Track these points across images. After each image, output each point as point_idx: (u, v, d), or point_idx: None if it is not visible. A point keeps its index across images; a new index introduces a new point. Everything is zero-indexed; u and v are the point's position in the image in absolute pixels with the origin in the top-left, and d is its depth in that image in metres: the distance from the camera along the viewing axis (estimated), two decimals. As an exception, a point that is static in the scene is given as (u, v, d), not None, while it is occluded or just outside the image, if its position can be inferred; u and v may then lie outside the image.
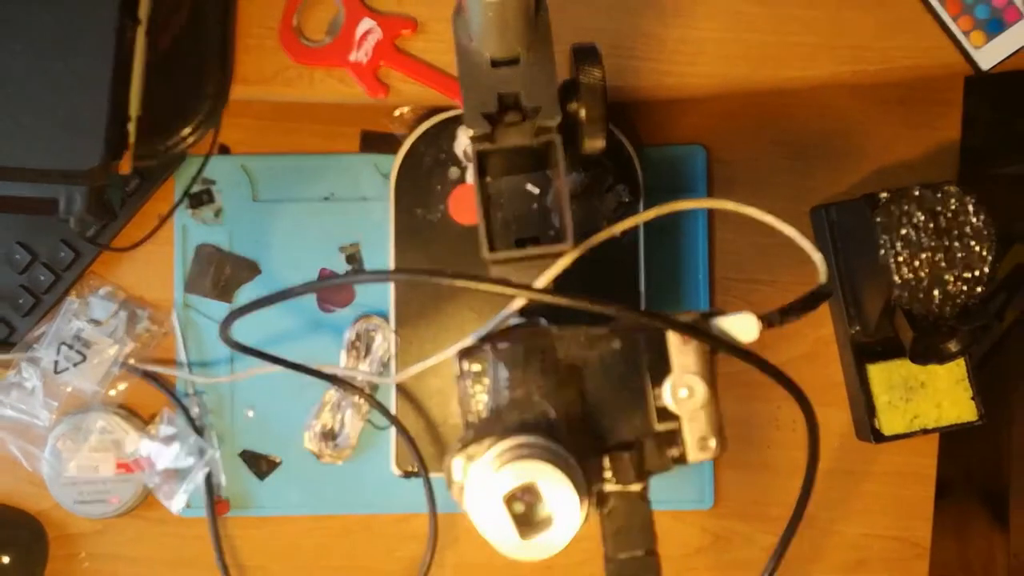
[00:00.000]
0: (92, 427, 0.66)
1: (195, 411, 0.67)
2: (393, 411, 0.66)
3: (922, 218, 0.56)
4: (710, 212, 0.68)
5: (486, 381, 0.44)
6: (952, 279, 0.57)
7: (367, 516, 0.69)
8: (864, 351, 0.65)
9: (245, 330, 0.66)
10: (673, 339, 0.44)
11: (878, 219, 0.57)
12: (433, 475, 0.65)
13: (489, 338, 0.45)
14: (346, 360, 0.67)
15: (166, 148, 0.57)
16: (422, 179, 0.65)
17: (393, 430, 0.66)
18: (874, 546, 0.68)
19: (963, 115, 0.67)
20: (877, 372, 0.65)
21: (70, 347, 0.65)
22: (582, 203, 0.64)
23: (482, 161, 0.46)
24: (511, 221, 0.64)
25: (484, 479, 0.40)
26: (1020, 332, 0.90)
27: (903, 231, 0.56)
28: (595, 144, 0.47)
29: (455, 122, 0.65)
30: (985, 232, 0.57)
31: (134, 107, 0.53)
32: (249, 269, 0.68)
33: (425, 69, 0.58)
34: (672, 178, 0.67)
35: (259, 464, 0.68)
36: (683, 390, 0.44)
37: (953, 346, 0.59)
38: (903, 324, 0.59)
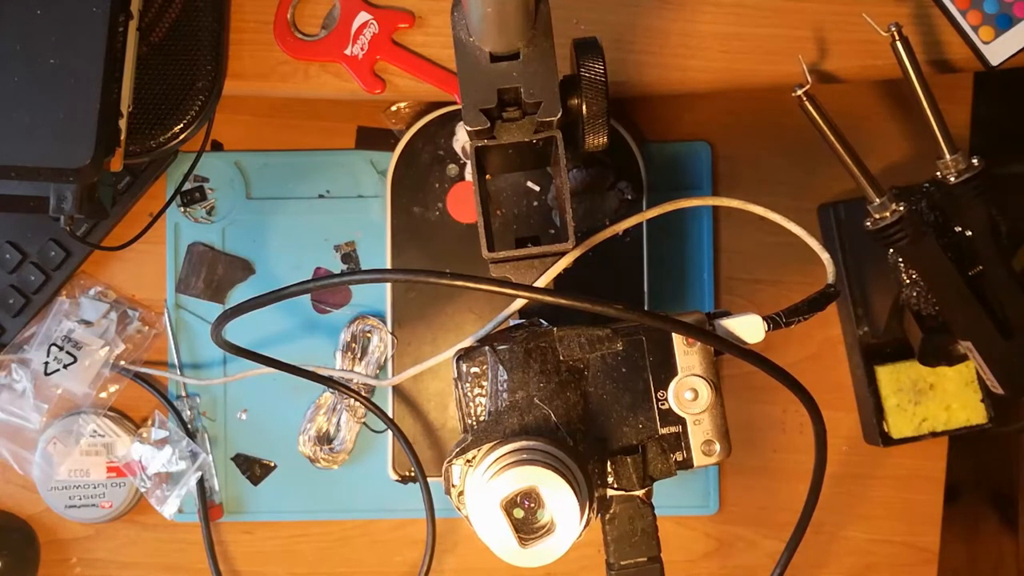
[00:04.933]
0: (83, 430, 0.65)
1: (187, 414, 0.66)
2: (390, 414, 0.65)
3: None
4: (715, 210, 0.67)
5: (485, 384, 0.43)
6: (962, 278, 0.56)
7: (364, 521, 0.68)
8: (872, 353, 0.64)
9: (238, 331, 0.65)
10: (678, 340, 0.43)
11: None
12: (431, 480, 0.64)
13: (488, 339, 0.44)
14: (342, 362, 0.66)
15: (158, 145, 0.56)
16: (420, 176, 0.64)
17: (390, 434, 0.65)
18: (882, 551, 0.68)
19: (971, 113, 0.67)
20: (886, 374, 0.64)
21: (60, 348, 0.65)
22: (583, 201, 0.64)
23: (481, 158, 0.45)
24: (511, 220, 0.64)
25: (483, 485, 0.39)
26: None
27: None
28: (597, 140, 0.47)
29: (453, 118, 0.64)
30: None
31: (125, 103, 0.52)
32: (242, 268, 0.67)
33: (423, 64, 0.57)
34: (676, 175, 0.66)
35: (253, 468, 0.67)
36: (688, 392, 0.43)
37: (962, 347, 0.58)
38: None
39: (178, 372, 0.67)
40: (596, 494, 0.42)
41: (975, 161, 0.52)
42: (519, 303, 0.46)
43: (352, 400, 0.65)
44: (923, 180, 0.55)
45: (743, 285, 0.67)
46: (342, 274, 0.64)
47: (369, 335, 0.66)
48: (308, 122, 0.67)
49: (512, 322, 0.47)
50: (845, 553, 0.68)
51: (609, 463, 0.43)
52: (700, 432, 0.44)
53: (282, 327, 0.67)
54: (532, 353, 0.42)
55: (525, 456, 0.39)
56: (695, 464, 0.44)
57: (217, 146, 0.67)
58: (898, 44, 0.50)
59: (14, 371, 0.65)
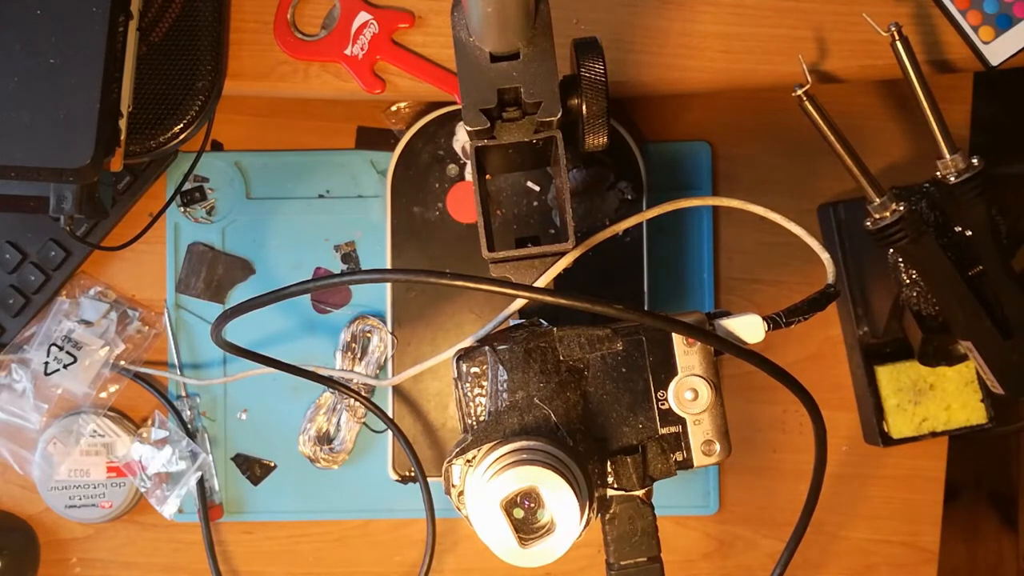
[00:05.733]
0: (83, 430, 0.65)
1: (187, 414, 0.66)
2: (390, 414, 0.65)
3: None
4: (715, 210, 0.67)
5: (485, 384, 0.43)
6: (961, 278, 0.56)
7: (364, 521, 0.68)
8: (872, 353, 0.64)
9: (238, 331, 0.65)
10: (678, 340, 0.43)
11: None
12: (431, 479, 0.64)
13: (488, 339, 0.44)
14: (341, 362, 0.66)
15: (158, 145, 0.56)
16: (420, 176, 0.64)
17: (390, 434, 0.65)
18: (882, 551, 0.68)
19: (971, 113, 0.66)
20: (885, 374, 0.64)
21: (60, 348, 0.64)
22: (583, 201, 0.64)
23: (481, 158, 0.45)
24: (511, 220, 0.64)
25: (483, 485, 0.39)
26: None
27: (912, 229, 0.55)
28: (597, 140, 0.47)
29: (453, 118, 0.64)
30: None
31: (125, 103, 0.52)
32: (242, 268, 0.67)
33: (423, 64, 0.57)
34: (676, 175, 0.66)
35: (253, 468, 0.67)
36: (688, 392, 0.43)
37: (962, 347, 0.58)
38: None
39: (178, 372, 0.67)
40: (596, 494, 0.42)
41: (975, 161, 0.51)
42: (519, 303, 0.46)
43: (352, 400, 0.65)
44: (923, 180, 0.55)
45: (743, 285, 0.67)
46: (342, 274, 0.64)
47: (369, 335, 0.66)
48: (308, 122, 0.67)
49: (512, 322, 0.47)
50: (845, 553, 0.68)
51: (609, 463, 0.42)
52: (700, 432, 0.43)
53: (282, 327, 0.67)
54: (532, 353, 0.42)
55: (525, 456, 0.39)
56: (695, 464, 0.44)
57: (217, 146, 0.67)
58: (898, 44, 0.50)
59: (14, 371, 0.65)
